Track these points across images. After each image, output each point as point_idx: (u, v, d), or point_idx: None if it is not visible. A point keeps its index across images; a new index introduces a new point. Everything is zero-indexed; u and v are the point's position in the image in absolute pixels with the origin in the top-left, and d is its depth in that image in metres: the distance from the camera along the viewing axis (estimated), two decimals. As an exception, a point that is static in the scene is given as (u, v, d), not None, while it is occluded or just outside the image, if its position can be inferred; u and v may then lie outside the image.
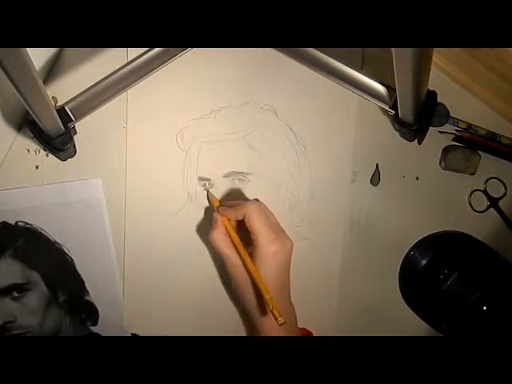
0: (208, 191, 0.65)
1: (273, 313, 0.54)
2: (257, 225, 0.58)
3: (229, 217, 0.61)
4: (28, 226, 0.64)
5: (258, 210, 0.59)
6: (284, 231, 0.61)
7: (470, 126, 0.65)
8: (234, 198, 0.65)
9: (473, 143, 0.65)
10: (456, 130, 0.66)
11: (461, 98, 0.66)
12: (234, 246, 0.59)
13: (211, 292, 0.65)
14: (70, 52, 0.66)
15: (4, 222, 0.64)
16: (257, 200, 0.63)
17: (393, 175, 0.66)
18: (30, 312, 0.64)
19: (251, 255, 0.58)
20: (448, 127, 0.66)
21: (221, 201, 0.64)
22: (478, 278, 0.62)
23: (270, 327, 0.58)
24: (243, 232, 0.60)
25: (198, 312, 0.65)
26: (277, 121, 0.66)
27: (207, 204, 0.65)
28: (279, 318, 0.54)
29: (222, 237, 0.59)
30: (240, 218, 0.60)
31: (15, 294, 0.63)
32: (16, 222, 0.64)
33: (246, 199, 0.65)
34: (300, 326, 0.62)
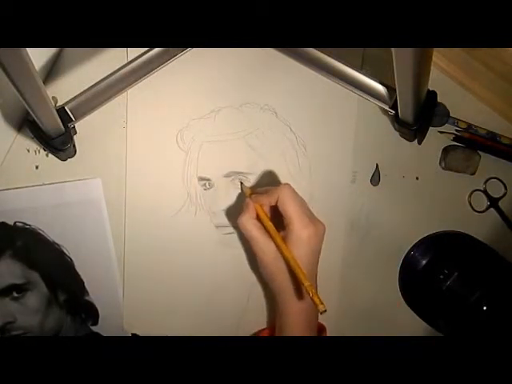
0: (242, 183, 0.64)
1: (313, 300, 0.53)
2: (291, 208, 0.57)
3: (262, 203, 0.60)
4: (27, 226, 0.64)
5: (292, 193, 0.58)
6: (315, 215, 0.60)
7: (470, 126, 0.65)
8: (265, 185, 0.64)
9: (473, 143, 0.65)
10: (456, 130, 0.66)
11: (461, 97, 0.66)
12: (268, 232, 0.58)
13: (211, 292, 0.65)
14: (70, 52, 0.66)
15: (3, 223, 0.64)
16: (288, 184, 0.60)
17: (393, 175, 0.66)
18: (30, 312, 0.64)
19: (284, 240, 0.57)
20: (448, 127, 0.66)
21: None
22: (478, 278, 0.62)
23: (299, 312, 0.57)
24: (275, 219, 0.59)
25: (198, 312, 0.65)
26: (277, 121, 0.66)
27: (207, 204, 0.65)
28: (320, 306, 0.52)
29: (252, 221, 0.59)
30: (273, 202, 0.59)
31: (15, 295, 0.63)
32: (14, 223, 0.64)
33: (278, 184, 0.64)
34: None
